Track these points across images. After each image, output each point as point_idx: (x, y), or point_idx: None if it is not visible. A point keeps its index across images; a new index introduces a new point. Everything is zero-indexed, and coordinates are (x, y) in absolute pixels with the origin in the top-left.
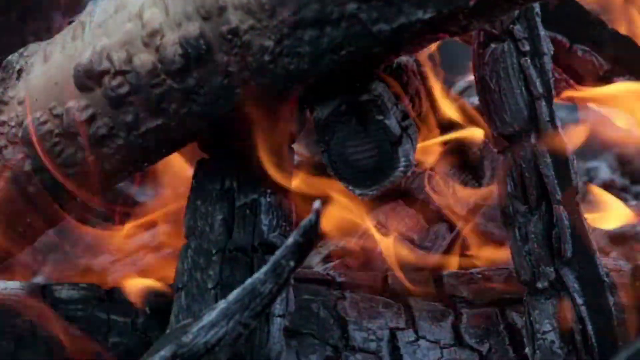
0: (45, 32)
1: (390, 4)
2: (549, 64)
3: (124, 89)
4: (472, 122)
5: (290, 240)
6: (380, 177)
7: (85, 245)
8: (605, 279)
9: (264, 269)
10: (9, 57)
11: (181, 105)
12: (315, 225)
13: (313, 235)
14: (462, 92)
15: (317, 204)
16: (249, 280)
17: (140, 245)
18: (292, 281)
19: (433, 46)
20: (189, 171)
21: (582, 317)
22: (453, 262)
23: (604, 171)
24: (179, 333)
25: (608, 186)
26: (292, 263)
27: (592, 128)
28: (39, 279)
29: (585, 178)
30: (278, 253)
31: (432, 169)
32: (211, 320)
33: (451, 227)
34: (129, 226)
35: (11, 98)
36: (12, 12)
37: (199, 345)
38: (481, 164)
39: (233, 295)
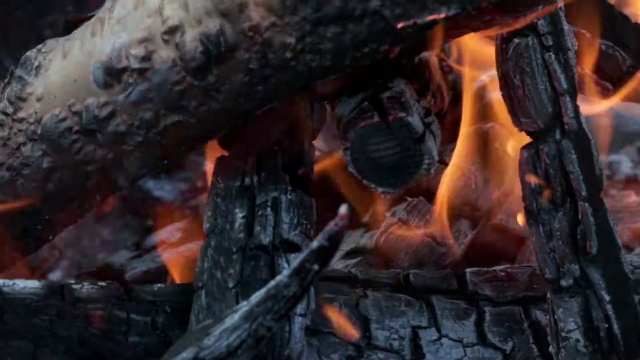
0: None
1: (414, 0)
2: (573, 60)
3: (144, 86)
4: (494, 117)
5: (314, 243)
6: (403, 175)
7: (103, 241)
8: (631, 276)
9: (287, 271)
10: (27, 53)
11: (201, 103)
12: (341, 229)
13: (338, 240)
14: (484, 87)
15: (343, 208)
16: (272, 283)
17: (159, 241)
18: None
19: None
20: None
21: (608, 315)
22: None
23: (626, 165)
24: (201, 334)
25: (630, 180)
26: (316, 266)
27: (613, 122)
28: (56, 275)
29: (607, 172)
30: (302, 256)
31: (455, 165)
32: (234, 323)
33: (473, 223)
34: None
35: (29, 94)
36: (29, 6)
37: (221, 348)
38: (503, 160)
39: (256, 298)
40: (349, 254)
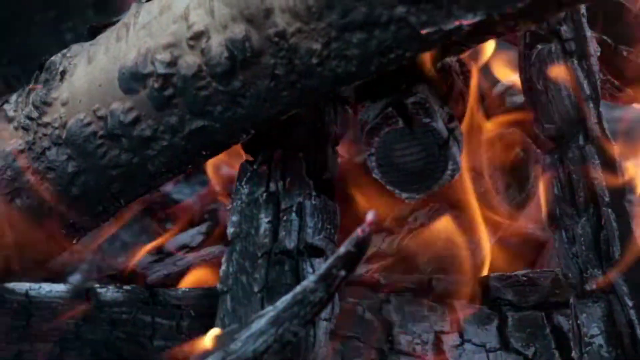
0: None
1: (439, 7)
2: (595, 65)
3: (169, 91)
4: (515, 122)
5: (341, 249)
6: (427, 181)
7: (123, 244)
8: None
9: (314, 277)
10: (52, 58)
11: (226, 108)
12: (367, 236)
13: (365, 246)
14: (504, 92)
15: (370, 215)
16: (299, 289)
17: (180, 245)
18: None
19: None
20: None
21: (631, 320)
22: (496, 264)
23: None
24: (227, 339)
25: None
26: (343, 272)
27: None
28: (76, 278)
29: None
30: (329, 262)
31: (476, 170)
32: (260, 327)
33: (494, 229)
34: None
35: (55, 99)
36: (50, 11)
37: (247, 353)
38: (525, 165)
39: (282, 303)
40: (371, 259)
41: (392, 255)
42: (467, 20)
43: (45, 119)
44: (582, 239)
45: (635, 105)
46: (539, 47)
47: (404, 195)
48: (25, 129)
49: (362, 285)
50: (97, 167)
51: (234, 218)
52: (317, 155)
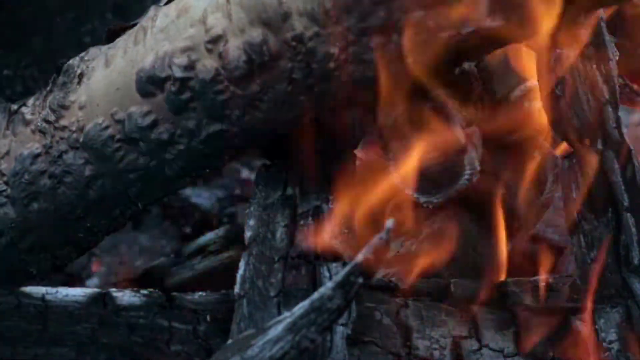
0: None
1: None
2: (614, 70)
3: (186, 95)
4: (534, 126)
5: (359, 256)
6: (445, 185)
7: (141, 248)
8: None
9: (331, 284)
10: (70, 61)
11: (244, 112)
12: (386, 243)
13: (383, 253)
14: (523, 96)
15: (389, 223)
16: (316, 295)
17: (198, 249)
18: None
19: None
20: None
21: None
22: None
23: None
24: (244, 345)
25: None
26: (360, 280)
27: None
28: (94, 282)
29: None
30: (347, 269)
31: (494, 174)
32: (277, 334)
33: (513, 233)
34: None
35: (72, 102)
36: (69, 13)
37: (264, 359)
38: (544, 170)
39: (300, 310)
40: (389, 263)
41: (410, 259)
42: (485, 25)
43: (63, 123)
44: (600, 243)
45: None
46: (557, 51)
47: (422, 199)
48: (43, 132)
49: (380, 290)
50: (115, 171)
51: (251, 222)
52: (335, 159)
